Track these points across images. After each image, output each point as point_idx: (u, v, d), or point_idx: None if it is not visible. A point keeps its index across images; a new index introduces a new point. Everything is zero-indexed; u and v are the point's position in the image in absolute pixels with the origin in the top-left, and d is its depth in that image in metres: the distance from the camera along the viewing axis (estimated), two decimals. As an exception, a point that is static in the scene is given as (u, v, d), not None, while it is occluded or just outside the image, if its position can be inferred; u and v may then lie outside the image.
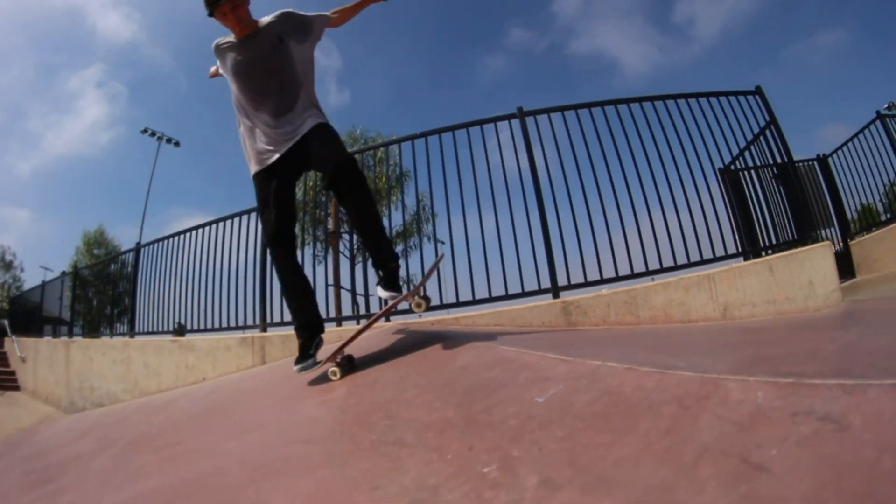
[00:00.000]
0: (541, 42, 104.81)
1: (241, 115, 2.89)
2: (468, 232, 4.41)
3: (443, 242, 4.69)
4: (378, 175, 5.77)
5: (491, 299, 4.22)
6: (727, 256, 4.31)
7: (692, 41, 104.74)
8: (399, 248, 5.25)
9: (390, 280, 2.84)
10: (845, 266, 7.33)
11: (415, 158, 4.83)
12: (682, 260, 4.10)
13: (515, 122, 4.55)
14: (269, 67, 2.79)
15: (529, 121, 4.55)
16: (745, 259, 4.44)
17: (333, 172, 2.76)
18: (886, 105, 17.58)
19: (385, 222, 3.48)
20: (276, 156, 2.80)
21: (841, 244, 7.69)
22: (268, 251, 3.10)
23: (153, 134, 30.12)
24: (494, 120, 4.62)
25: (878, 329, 2.44)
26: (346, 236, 19.21)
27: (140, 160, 66.34)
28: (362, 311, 5.43)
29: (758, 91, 4.86)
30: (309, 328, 2.85)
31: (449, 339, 2.53)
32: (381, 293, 2.84)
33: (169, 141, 30.72)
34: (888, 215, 7.36)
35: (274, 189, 2.80)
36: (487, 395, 1.58)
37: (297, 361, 2.72)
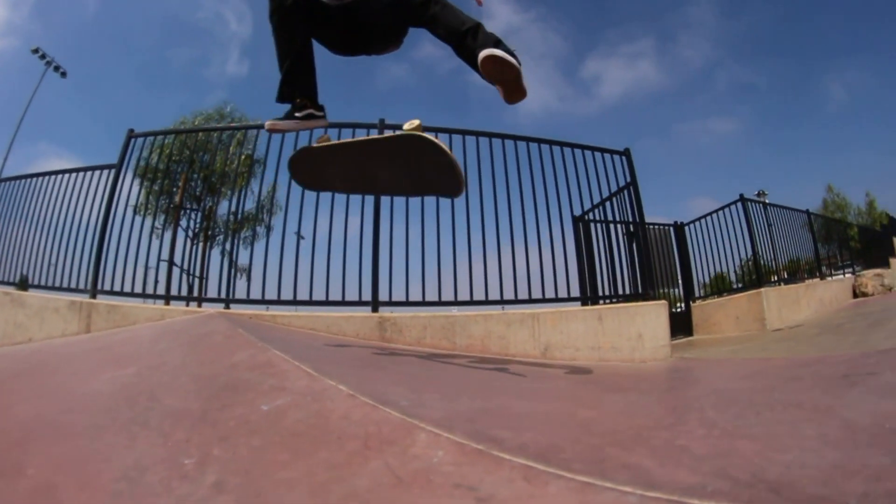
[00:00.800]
0: (447, 63, 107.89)
1: None
2: (300, 230, 4.17)
3: (303, 237, 4.34)
4: (231, 158, 5.44)
5: (311, 302, 3.99)
6: (568, 299, 4.31)
7: (593, 98, 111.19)
8: (245, 234, 4.88)
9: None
10: (684, 325, 7.89)
11: (268, 148, 4.63)
12: (510, 296, 4.04)
13: (374, 132, 4.38)
14: None
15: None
16: (584, 304, 4.44)
17: None
18: (757, 192, 19.37)
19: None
20: None
21: (683, 305, 8.19)
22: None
23: (43, 56, 26.82)
24: (356, 126, 4.42)
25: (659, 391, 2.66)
26: (194, 214, 18.22)
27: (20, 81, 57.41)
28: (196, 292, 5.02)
29: (626, 153, 5.07)
30: (305, 90, 2.59)
31: (242, 335, 2.54)
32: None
33: (57, 69, 27.40)
34: (739, 285, 7.85)
35: None
36: (233, 394, 1.61)
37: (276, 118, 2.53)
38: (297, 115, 2.55)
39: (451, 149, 2.76)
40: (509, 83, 2.26)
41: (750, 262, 7.87)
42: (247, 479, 1.00)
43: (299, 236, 4.39)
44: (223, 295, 4.23)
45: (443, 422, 1.20)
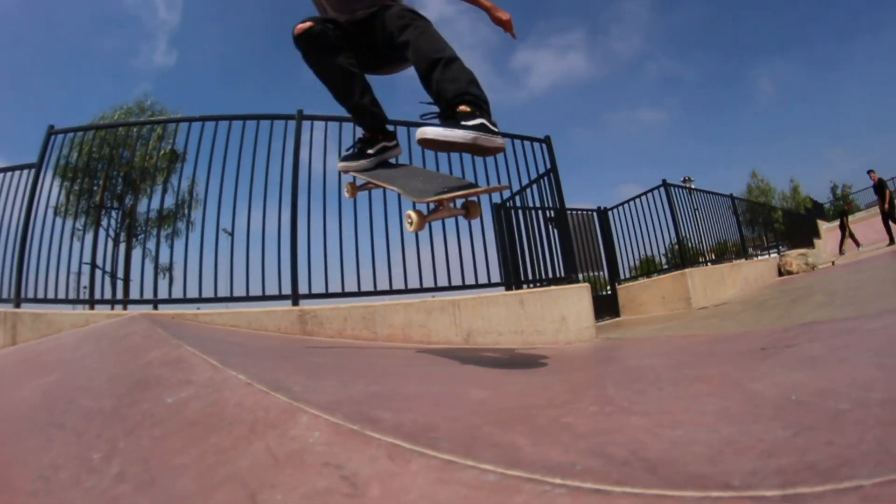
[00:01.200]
0: None
1: None
2: (219, 223, 4.06)
3: (229, 233, 4.23)
4: (151, 152, 5.26)
5: (232, 298, 3.92)
6: (489, 284, 4.35)
7: (522, 88, 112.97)
8: (167, 232, 4.73)
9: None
10: (611, 306, 8.11)
11: (187, 142, 4.46)
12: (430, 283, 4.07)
13: (292, 124, 4.35)
14: None
15: (307, 125, 4.40)
16: (507, 289, 4.51)
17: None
18: (683, 178, 20.17)
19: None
20: None
21: (609, 287, 8.42)
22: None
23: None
24: (272, 118, 4.35)
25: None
26: (115, 213, 17.58)
27: None
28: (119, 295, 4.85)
29: (546, 140, 5.16)
30: (373, 118, 2.39)
31: (159, 335, 2.49)
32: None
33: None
34: (667, 267, 8.14)
35: None
36: (143, 389, 1.61)
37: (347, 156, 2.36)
38: (370, 151, 2.40)
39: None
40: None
41: (675, 245, 8.12)
42: (145, 467, 1.06)
43: (225, 231, 4.30)
44: (147, 296, 4.11)
45: (328, 405, 1.22)
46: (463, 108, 1.91)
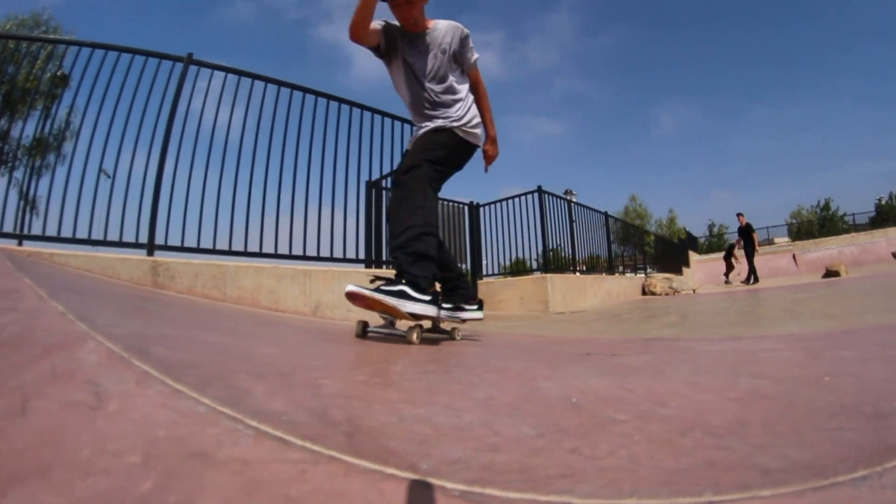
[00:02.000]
0: (296, 11, 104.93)
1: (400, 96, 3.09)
2: (88, 161, 3.87)
3: (109, 176, 4.05)
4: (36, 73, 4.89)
5: (89, 241, 3.78)
6: (356, 260, 4.43)
7: None
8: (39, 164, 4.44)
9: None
10: None
11: (73, 67, 4.16)
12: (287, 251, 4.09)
13: (179, 67, 4.18)
14: (429, 68, 2.94)
15: (200, 71, 4.25)
16: (367, 267, 4.63)
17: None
18: (565, 190, 21.30)
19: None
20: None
21: (471, 280, 8.40)
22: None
23: None
24: (154, 55, 4.17)
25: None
26: None
27: None
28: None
29: None
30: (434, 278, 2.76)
31: (5, 267, 2.40)
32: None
33: None
34: (536, 269, 8.58)
35: None
36: None
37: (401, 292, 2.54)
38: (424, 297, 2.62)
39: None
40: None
41: (550, 250, 8.39)
42: None
43: (104, 173, 4.11)
44: (7, 229, 3.87)
45: (118, 337, 1.30)
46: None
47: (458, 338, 2.85)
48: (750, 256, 15.98)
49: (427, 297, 2.56)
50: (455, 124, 2.92)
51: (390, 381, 1.48)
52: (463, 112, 2.98)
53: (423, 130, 2.95)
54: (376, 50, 3.00)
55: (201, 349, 1.55)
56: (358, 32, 2.78)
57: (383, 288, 2.49)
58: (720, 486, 0.77)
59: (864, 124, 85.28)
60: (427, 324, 2.81)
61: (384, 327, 2.70)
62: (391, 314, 2.56)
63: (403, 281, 2.55)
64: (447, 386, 1.51)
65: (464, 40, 3.00)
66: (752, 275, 15.89)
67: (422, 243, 2.59)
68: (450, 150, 2.93)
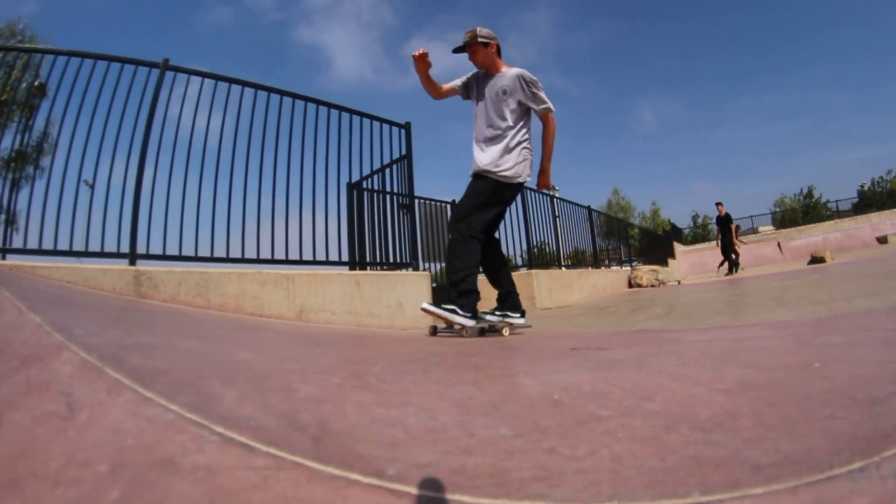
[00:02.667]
0: (274, 14, 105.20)
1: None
2: (67, 169, 3.81)
3: (91, 186, 4.00)
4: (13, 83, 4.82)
5: (70, 253, 3.72)
6: (339, 262, 4.42)
7: (409, 75, 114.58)
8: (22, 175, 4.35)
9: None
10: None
11: (49, 76, 4.10)
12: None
13: (156, 73, 4.13)
14: (489, 108, 3.60)
15: (178, 77, 4.22)
16: (352, 269, 4.63)
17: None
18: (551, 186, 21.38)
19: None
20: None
21: None
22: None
23: None
24: (129, 62, 4.11)
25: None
26: None
27: None
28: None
29: (406, 126, 5.24)
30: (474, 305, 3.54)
31: None
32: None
33: None
34: (523, 265, 8.57)
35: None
36: None
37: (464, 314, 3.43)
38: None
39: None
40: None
41: (535, 246, 8.36)
42: None
43: (86, 183, 4.06)
44: None
45: (93, 347, 1.30)
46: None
47: (506, 334, 3.54)
48: (730, 246, 15.55)
49: (469, 314, 3.42)
50: (492, 169, 3.51)
51: (366, 383, 1.46)
52: (499, 155, 3.53)
53: (472, 171, 3.64)
54: (463, 96, 3.84)
55: (176, 356, 1.56)
56: (433, 95, 3.76)
57: (443, 306, 3.42)
58: (708, 485, 0.74)
59: (843, 111, 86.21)
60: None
61: (448, 328, 3.55)
62: (447, 322, 3.44)
63: (454, 304, 3.42)
64: (425, 386, 1.50)
65: (527, 86, 3.54)
66: (734, 265, 15.59)
67: (465, 284, 3.46)
68: (488, 196, 3.53)
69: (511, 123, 3.55)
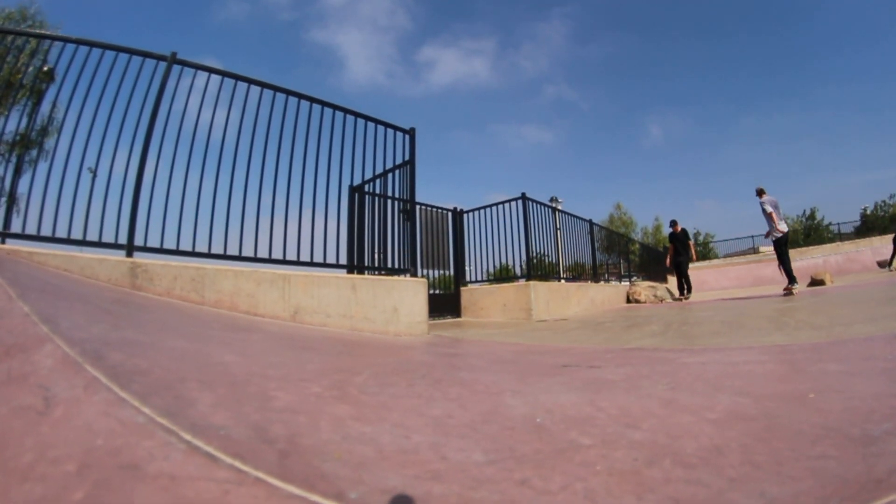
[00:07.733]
0: (289, 13, 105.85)
1: None
2: (69, 157, 3.81)
3: (94, 173, 4.01)
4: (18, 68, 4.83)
5: (68, 241, 3.70)
6: (336, 265, 4.41)
7: (421, 81, 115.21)
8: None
9: None
10: (453, 306, 8.34)
11: (57, 63, 4.12)
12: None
13: (163, 66, 4.15)
14: None
15: (185, 71, 4.23)
16: (350, 272, 4.62)
17: None
18: (550, 198, 21.26)
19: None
20: None
21: (453, 286, 8.62)
22: None
23: None
24: (138, 53, 4.11)
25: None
26: None
27: None
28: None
29: (410, 132, 5.24)
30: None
31: None
32: None
33: None
34: (522, 277, 8.57)
35: None
36: None
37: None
38: None
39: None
40: None
41: (534, 258, 8.30)
42: None
43: (90, 171, 4.07)
44: None
45: (77, 341, 1.31)
46: None
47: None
48: (685, 267, 13.73)
49: None
50: None
51: (346, 394, 1.45)
52: None
53: None
54: None
55: (159, 355, 1.56)
56: None
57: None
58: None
59: (850, 133, 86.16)
60: None
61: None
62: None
63: None
64: (405, 401, 1.48)
65: None
66: (686, 287, 13.64)
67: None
68: None
69: None
